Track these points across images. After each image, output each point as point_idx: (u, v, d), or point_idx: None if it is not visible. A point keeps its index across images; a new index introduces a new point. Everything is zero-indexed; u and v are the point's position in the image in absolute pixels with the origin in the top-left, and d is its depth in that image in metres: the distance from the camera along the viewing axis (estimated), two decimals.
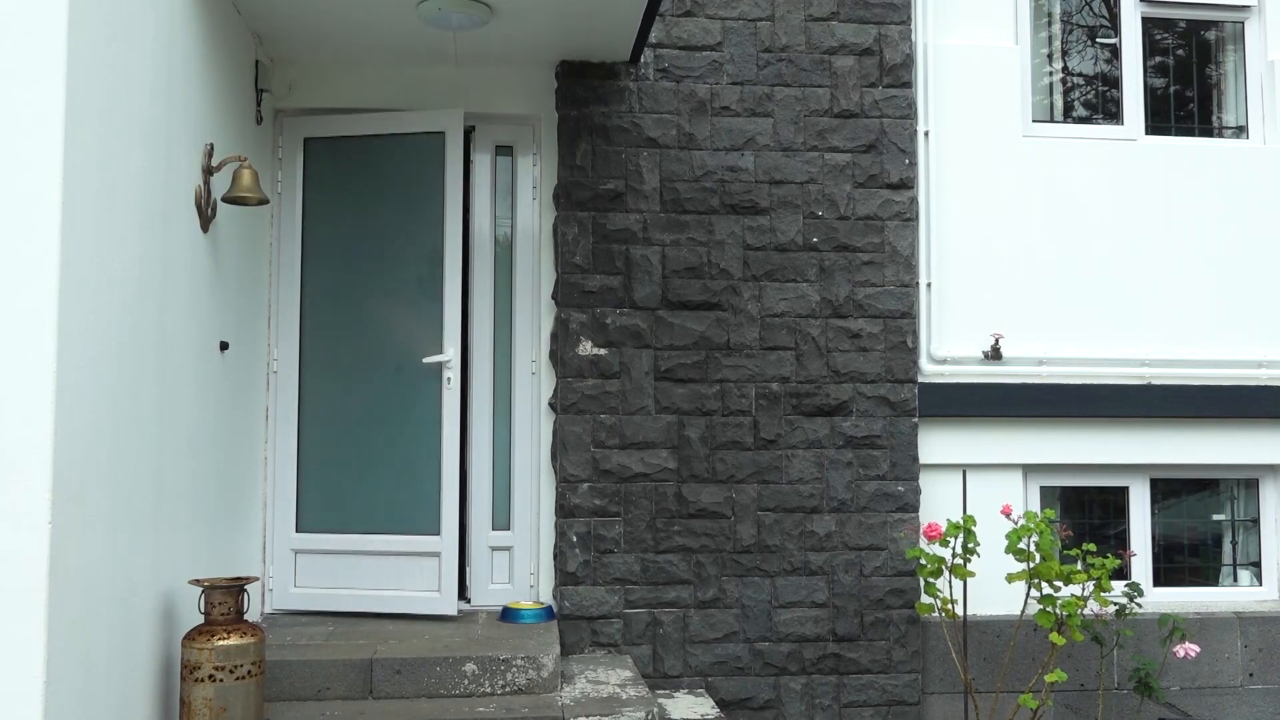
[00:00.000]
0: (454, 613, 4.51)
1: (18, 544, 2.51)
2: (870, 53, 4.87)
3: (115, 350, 2.92)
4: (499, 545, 4.76)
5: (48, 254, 2.56)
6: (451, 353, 4.64)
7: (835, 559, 4.68)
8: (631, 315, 4.67)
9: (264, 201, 3.80)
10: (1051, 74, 5.30)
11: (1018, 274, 4.98)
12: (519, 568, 4.75)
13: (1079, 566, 4.09)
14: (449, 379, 4.69)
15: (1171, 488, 5.16)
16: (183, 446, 3.51)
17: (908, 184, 4.84)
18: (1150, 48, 5.32)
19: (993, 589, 4.33)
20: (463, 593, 4.73)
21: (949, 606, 4.17)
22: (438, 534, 4.60)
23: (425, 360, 4.66)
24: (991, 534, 4.19)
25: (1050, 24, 5.31)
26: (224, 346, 3.96)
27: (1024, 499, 4.90)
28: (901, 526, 4.69)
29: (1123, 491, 5.09)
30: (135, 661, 3.12)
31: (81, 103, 2.68)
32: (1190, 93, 5.39)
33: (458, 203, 4.74)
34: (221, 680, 3.25)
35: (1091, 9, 5.33)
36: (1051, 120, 5.24)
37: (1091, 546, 4.19)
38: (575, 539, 4.57)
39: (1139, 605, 4.42)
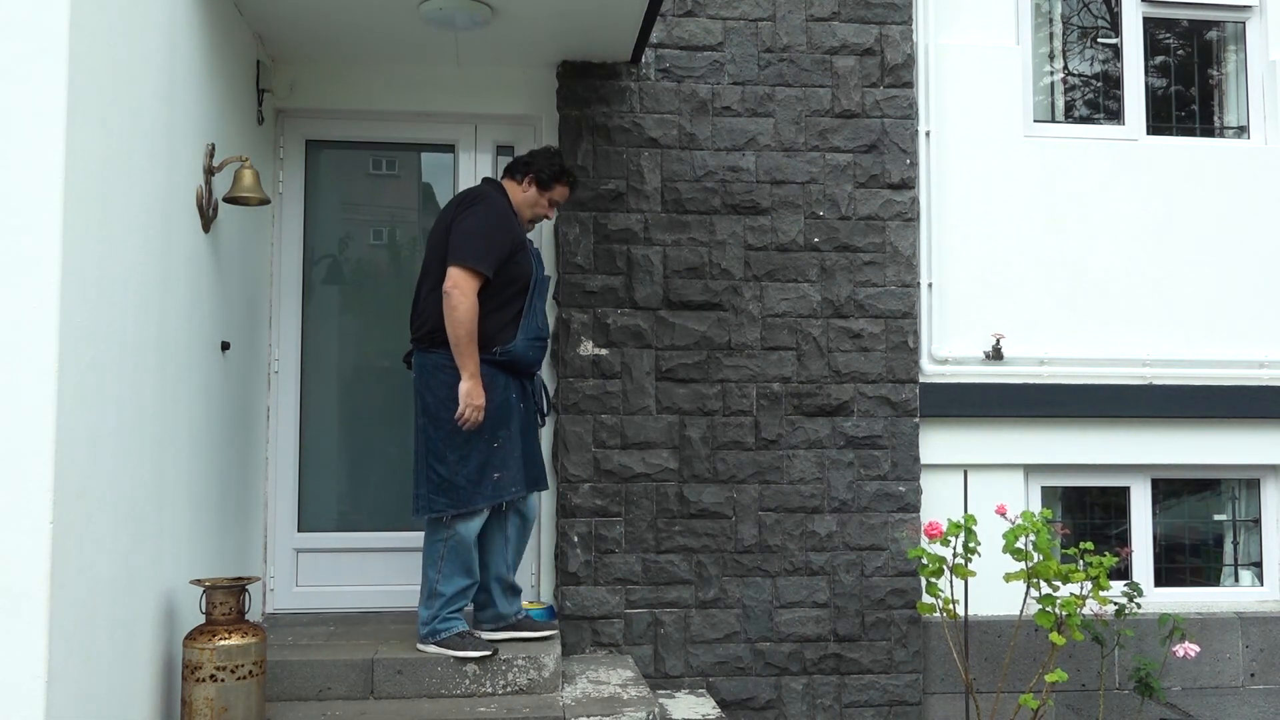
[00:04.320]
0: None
1: (19, 544, 2.51)
2: (871, 53, 4.86)
3: (116, 350, 2.92)
4: None
5: (49, 254, 2.56)
6: None
7: (836, 559, 4.68)
8: (633, 315, 4.67)
9: (265, 201, 3.81)
10: (1053, 74, 5.30)
11: (1019, 274, 4.97)
12: (520, 568, 4.74)
13: (1078, 565, 4.09)
14: None
15: (1173, 488, 5.16)
16: (184, 446, 3.51)
17: (909, 184, 4.84)
18: (1151, 48, 5.31)
19: (994, 589, 4.32)
20: None
21: (950, 606, 4.17)
22: None
23: None
24: (992, 534, 4.18)
25: (1051, 24, 5.31)
26: (225, 346, 3.96)
27: (1025, 499, 4.90)
28: (903, 526, 4.69)
29: (1124, 492, 5.09)
30: (136, 661, 3.12)
31: (83, 103, 2.68)
32: (1191, 93, 5.38)
33: None
34: (223, 680, 3.25)
35: (1092, 9, 5.33)
36: (1053, 120, 5.24)
37: (1089, 545, 4.18)
38: (576, 539, 4.57)
39: (1139, 605, 4.42)
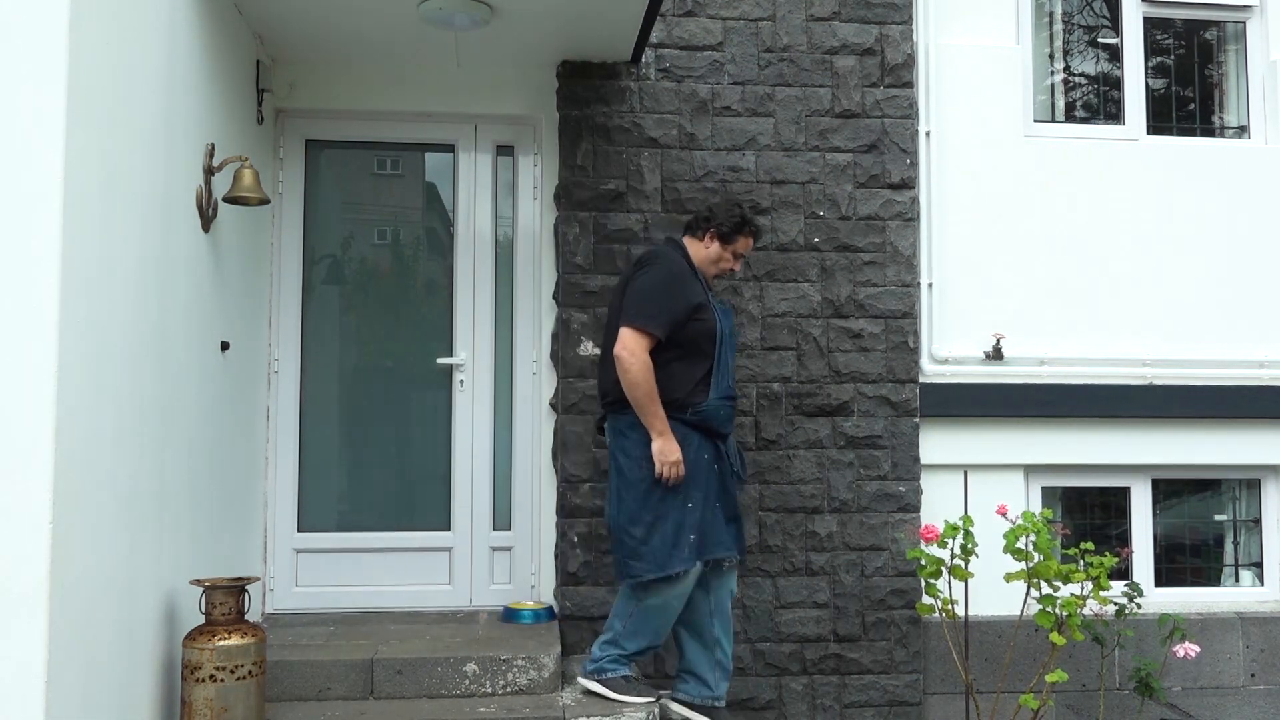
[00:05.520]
0: (467, 604, 4.65)
1: (19, 544, 2.51)
2: (871, 53, 4.86)
3: (116, 350, 2.92)
4: (499, 545, 4.76)
5: (49, 254, 2.56)
6: (464, 356, 4.70)
7: (837, 559, 4.68)
8: None
9: (265, 201, 3.81)
10: (1053, 74, 5.30)
11: (1019, 274, 4.97)
12: (520, 568, 4.75)
13: (1078, 566, 4.09)
14: (461, 381, 4.72)
15: (1173, 488, 5.16)
16: (184, 446, 3.51)
17: (909, 184, 4.84)
18: (1151, 48, 5.31)
19: (994, 589, 4.32)
20: None
21: (950, 607, 4.17)
22: (448, 529, 4.70)
23: (440, 361, 4.71)
24: (993, 534, 4.17)
25: (1052, 24, 5.31)
26: (225, 346, 3.96)
27: (1025, 499, 4.90)
28: (903, 527, 4.69)
29: (1124, 492, 5.08)
30: (136, 662, 3.12)
31: (83, 103, 2.68)
32: (1191, 93, 5.38)
33: (470, 209, 4.78)
34: (223, 680, 3.25)
35: (1093, 9, 5.33)
36: (1053, 120, 5.24)
37: (1090, 545, 4.18)
38: (576, 539, 4.57)
39: (1139, 605, 4.41)
